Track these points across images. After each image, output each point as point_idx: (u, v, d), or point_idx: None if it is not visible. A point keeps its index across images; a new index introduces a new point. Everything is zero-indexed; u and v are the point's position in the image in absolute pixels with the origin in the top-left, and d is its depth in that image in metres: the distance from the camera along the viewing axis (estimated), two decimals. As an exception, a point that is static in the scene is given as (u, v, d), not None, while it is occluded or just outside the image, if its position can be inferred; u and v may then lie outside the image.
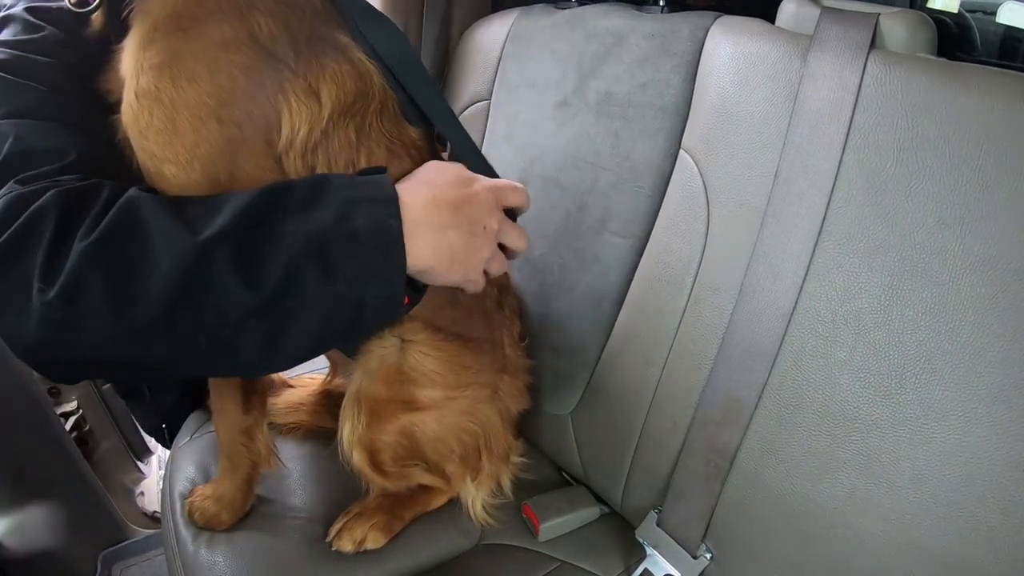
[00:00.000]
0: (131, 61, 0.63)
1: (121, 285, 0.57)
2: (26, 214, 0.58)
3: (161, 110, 0.62)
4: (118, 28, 0.66)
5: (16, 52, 0.72)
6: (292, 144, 0.66)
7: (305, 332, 0.61)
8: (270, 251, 0.58)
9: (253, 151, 0.65)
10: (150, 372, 0.78)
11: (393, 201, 0.62)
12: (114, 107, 0.67)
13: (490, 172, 0.81)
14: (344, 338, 0.72)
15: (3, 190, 0.61)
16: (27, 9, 0.76)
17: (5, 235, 0.57)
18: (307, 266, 0.59)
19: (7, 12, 0.77)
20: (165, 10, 0.62)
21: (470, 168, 0.80)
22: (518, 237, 0.75)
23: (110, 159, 0.67)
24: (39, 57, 0.72)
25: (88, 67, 0.72)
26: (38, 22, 0.75)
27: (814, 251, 0.72)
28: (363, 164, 0.70)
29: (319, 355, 0.71)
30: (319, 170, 0.68)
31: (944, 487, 0.64)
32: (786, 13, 0.81)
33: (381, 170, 0.66)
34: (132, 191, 0.60)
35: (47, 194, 0.59)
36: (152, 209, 0.58)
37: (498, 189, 0.71)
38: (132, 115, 0.63)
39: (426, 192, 0.65)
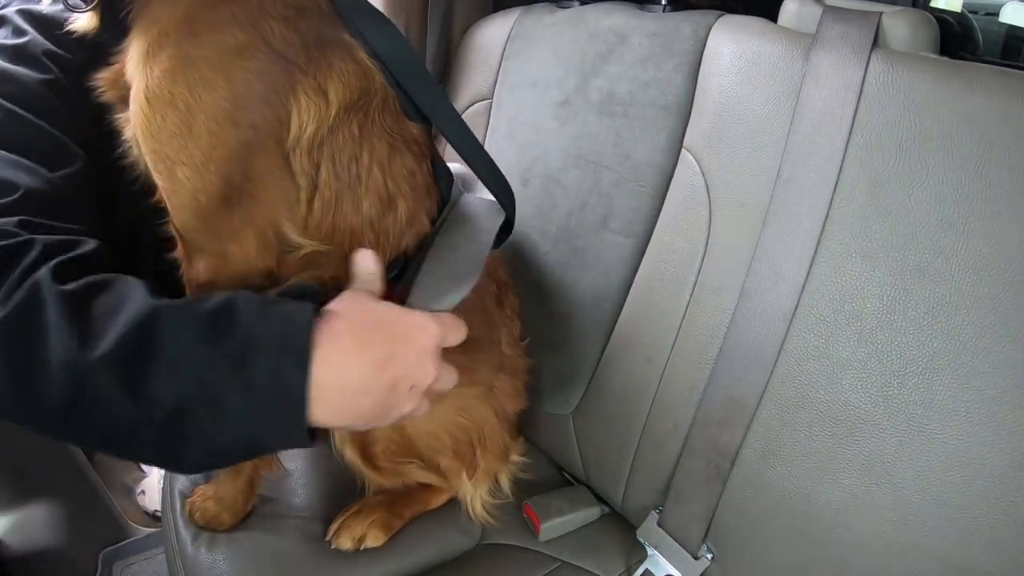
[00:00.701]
0: (139, 65, 0.63)
1: (21, 371, 0.54)
2: None
3: (176, 115, 0.62)
4: (113, 29, 0.66)
5: None
6: (299, 141, 0.66)
7: (205, 451, 0.57)
8: (158, 381, 0.53)
9: (265, 150, 0.65)
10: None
11: (303, 351, 0.55)
12: (108, 107, 0.68)
13: (492, 167, 0.81)
14: (249, 456, 0.73)
15: None
16: (19, 11, 0.75)
17: None
18: (197, 404, 0.54)
19: (1, 12, 0.76)
20: (176, 15, 0.62)
21: (472, 165, 0.80)
22: (448, 380, 0.68)
23: (66, 196, 0.67)
24: (15, 67, 0.71)
25: (69, 81, 0.71)
26: (25, 26, 0.74)
27: (816, 251, 0.72)
28: (365, 159, 0.70)
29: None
30: (324, 167, 0.68)
31: (946, 488, 0.64)
32: (788, 12, 0.81)
33: (309, 290, 0.64)
34: (42, 272, 0.55)
35: None
36: (55, 306, 0.54)
37: (441, 333, 0.64)
38: (143, 119, 0.63)
39: (348, 345, 0.58)
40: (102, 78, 0.69)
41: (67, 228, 0.63)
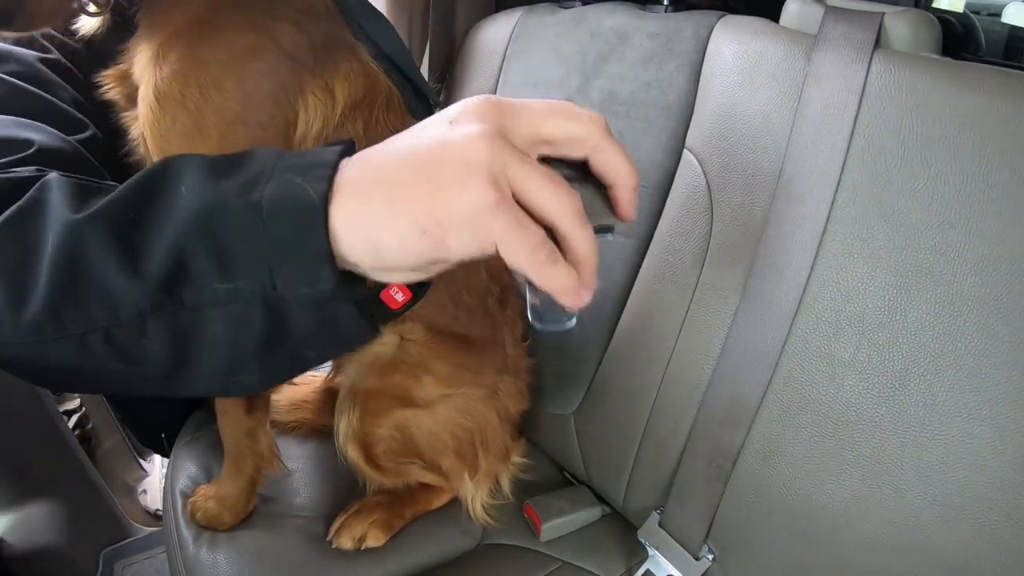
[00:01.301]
0: (148, 65, 0.64)
1: (15, 275, 0.46)
2: None
3: (186, 115, 0.63)
4: (121, 28, 0.67)
5: None
6: (306, 138, 0.67)
7: (217, 341, 0.46)
8: (151, 230, 0.44)
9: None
10: (60, 381, 0.60)
11: (327, 165, 0.41)
12: (113, 105, 0.68)
13: None
14: (290, 352, 0.49)
15: None
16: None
17: None
18: (195, 251, 0.43)
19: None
20: (188, 18, 0.63)
21: None
22: (558, 199, 0.40)
23: (82, 158, 0.67)
24: (10, 47, 0.71)
25: (71, 63, 0.72)
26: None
27: (818, 251, 0.72)
28: None
29: (268, 380, 0.52)
30: None
31: (948, 489, 0.64)
32: (790, 12, 0.81)
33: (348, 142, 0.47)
34: (53, 174, 0.49)
35: None
36: (56, 191, 0.47)
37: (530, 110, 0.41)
38: (152, 118, 0.64)
39: (393, 142, 0.42)
40: (108, 76, 0.69)
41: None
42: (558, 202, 0.38)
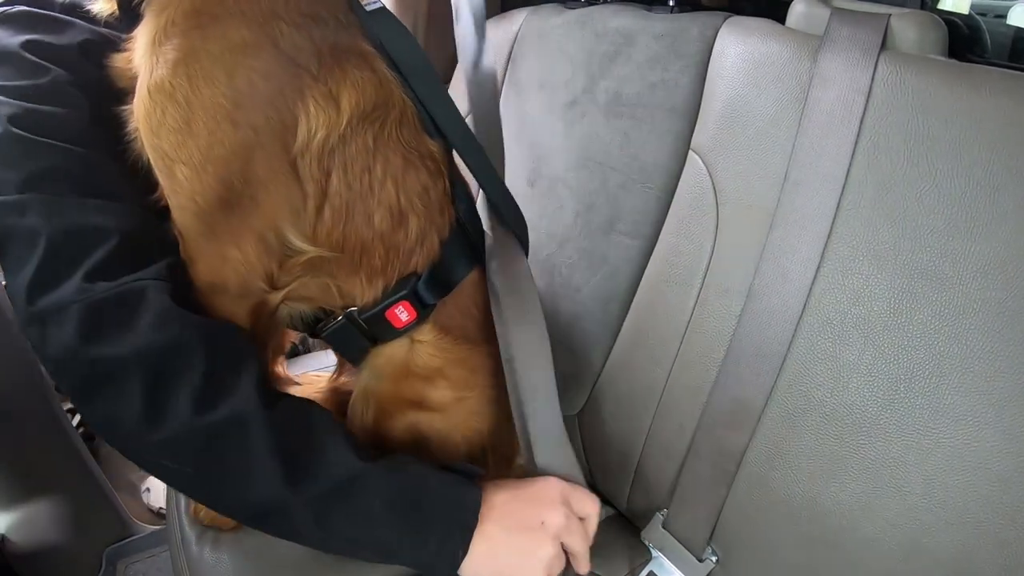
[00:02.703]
0: (145, 54, 0.62)
1: (214, 481, 0.65)
2: (126, 345, 0.61)
3: (175, 109, 0.61)
4: (128, 16, 0.65)
5: (25, 104, 0.67)
6: (308, 147, 0.65)
7: (352, 552, 0.70)
8: (344, 521, 0.66)
9: (268, 154, 0.64)
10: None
11: (470, 530, 0.68)
12: (123, 98, 0.67)
13: (507, 197, 0.82)
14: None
15: (72, 289, 0.61)
16: (25, 46, 0.70)
17: (101, 351, 0.61)
18: (368, 552, 0.69)
19: (6, 50, 0.70)
20: (184, 6, 0.61)
21: (486, 191, 0.82)
22: (582, 543, 0.76)
23: (145, 224, 0.67)
24: (51, 108, 0.68)
25: (102, 107, 0.69)
26: (41, 62, 0.70)
27: (823, 253, 0.72)
28: (379, 171, 0.70)
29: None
30: (335, 175, 0.68)
31: (953, 492, 0.64)
32: (796, 14, 0.81)
33: (475, 474, 0.75)
34: (246, 389, 0.64)
35: (139, 336, 0.62)
36: (260, 436, 0.63)
37: (569, 489, 0.75)
38: (144, 111, 0.62)
39: (506, 515, 0.71)
40: (115, 66, 0.69)
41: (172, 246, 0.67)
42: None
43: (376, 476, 0.67)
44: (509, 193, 0.85)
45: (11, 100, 0.66)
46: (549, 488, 0.74)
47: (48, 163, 0.65)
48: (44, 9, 0.73)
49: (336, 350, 0.79)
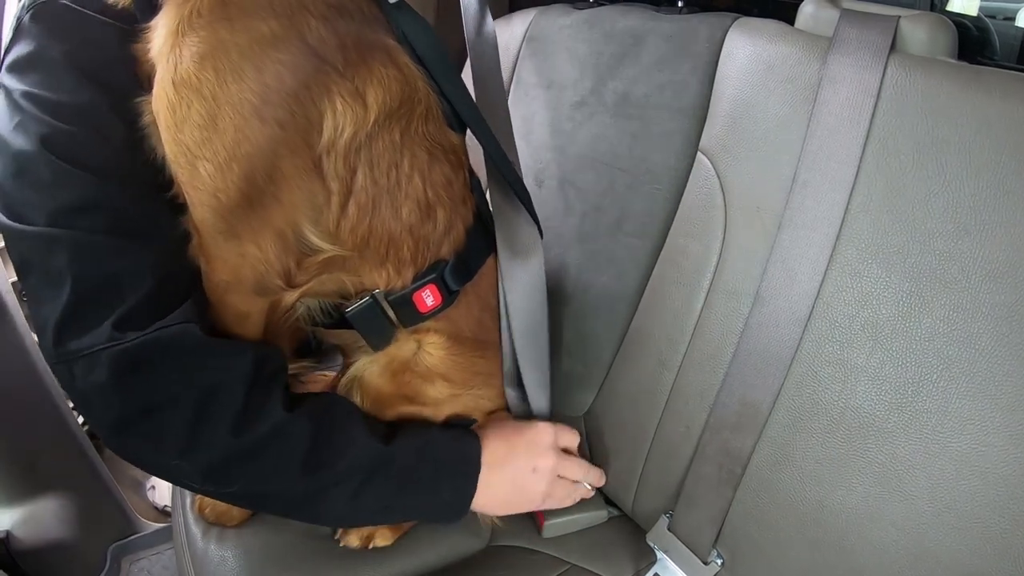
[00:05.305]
0: (167, 45, 0.60)
1: (257, 483, 0.70)
2: (160, 388, 0.64)
3: (202, 104, 0.59)
4: (145, 4, 0.64)
5: (60, 124, 0.64)
6: (334, 145, 0.65)
7: (370, 510, 0.78)
8: (373, 501, 0.76)
9: (293, 151, 0.63)
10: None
11: (475, 476, 0.82)
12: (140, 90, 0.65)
13: (516, 178, 0.82)
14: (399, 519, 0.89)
15: (102, 337, 0.61)
16: (68, 56, 0.66)
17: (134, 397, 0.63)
18: (397, 515, 0.84)
19: (37, 50, 0.66)
20: None
21: (493, 167, 0.83)
22: (578, 470, 0.92)
23: (176, 259, 0.68)
24: (87, 133, 0.65)
25: (136, 128, 0.66)
26: (83, 79, 0.66)
27: (831, 256, 0.71)
28: (406, 166, 0.70)
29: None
30: (360, 171, 0.67)
31: (959, 497, 0.63)
32: (805, 15, 0.81)
33: (470, 422, 0.89)
34: (282, 404, 0.70)
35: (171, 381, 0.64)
36: (298, 439, 0.70)
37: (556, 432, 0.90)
38: (167, 105, 0.60)
39: (505, 463, 0.85)
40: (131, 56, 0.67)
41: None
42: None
43: (400, 453, 0.76)
44: (523, 183, 0.86)
45: (45, 116, 0.64)
46: (541, 435, 0.88)
47: (79, 195, 0.64)
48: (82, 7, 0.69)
49: (360, 331, 0.78)
